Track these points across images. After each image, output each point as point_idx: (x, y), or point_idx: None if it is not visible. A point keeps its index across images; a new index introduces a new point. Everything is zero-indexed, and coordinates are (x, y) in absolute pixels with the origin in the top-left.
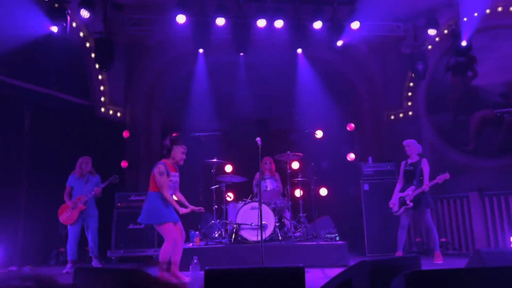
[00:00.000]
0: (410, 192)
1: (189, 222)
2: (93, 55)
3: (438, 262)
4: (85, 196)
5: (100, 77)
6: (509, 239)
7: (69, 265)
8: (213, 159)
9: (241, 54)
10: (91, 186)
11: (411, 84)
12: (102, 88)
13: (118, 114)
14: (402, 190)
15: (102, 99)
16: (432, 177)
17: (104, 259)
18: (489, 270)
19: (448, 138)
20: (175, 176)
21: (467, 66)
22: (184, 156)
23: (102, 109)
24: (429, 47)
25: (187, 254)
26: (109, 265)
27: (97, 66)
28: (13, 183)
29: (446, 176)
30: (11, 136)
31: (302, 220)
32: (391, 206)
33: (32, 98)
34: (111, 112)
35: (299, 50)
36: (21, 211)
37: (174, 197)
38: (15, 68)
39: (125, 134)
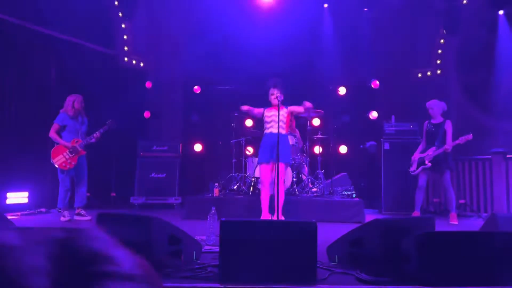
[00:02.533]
0: (431, 152)
1: (209, 174)
2: (116, 2)
3: (454, 223)
4: (83, 140)
5: (123, 25)
6: None
7: (66, 212)
8: (234, 113)
9: (265, 2)
10: (85, 128)
11: (442, 41)
12: (125, 37)
13: (141, 64)
14: (424, 151)
15: (125, 48)
16: (455, 138)
17: (127, 205)
18: (501, 234)
19: (476, 99)
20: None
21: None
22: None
23: (125, 59)
24: (464, 1)
25: (207, 204)
26: (132, 210)
27: (120, 14)
28: (41, 130)
29: (469, 137)
30: (38, 84)
31: (319, 176)
32: (412, 160)
33: (57, 46)
34: (134, 61)
35: (326, 5)
36: (49, 156)
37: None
38: (41, 15)
39: (148, 84)
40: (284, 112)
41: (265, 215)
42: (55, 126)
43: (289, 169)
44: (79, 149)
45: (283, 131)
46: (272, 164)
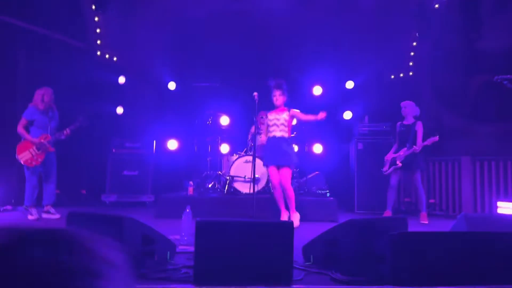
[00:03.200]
0: (402, 153)
1: (184, 172)
2: None
3: (424, 222)
4: (53, 136)
5: (96, 18)
6: (496, 204)
7: (33, 210)
8: (209, 110)
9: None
10: (55, 123)
11: (415, 43)
12: (98, 30)
13: (115, 59)
14: (396, 151)
15: (98, 42)
16: (425, 139)
17: (98, 203)
18: (472, 235)
19: (446, 101)
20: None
21: (472, 27)
22: None
23: (98, 53)
24: (436, 6)
25: (181, 203)
26: (103, 209)
27: (93, 7)
28: (8, 124)
29: (435, 139)
30: (5, 77)
31: (294, 175)
32: (386, 160)
33: (26, 38)
34: (107, 56)
35: None
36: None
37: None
38: (9, 5)
39: (121, 79)
40: (286, 115)
41: (284, 213)
42: (22, 121)
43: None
44: (47, 145)
45: (285, 135)
46: (277, 166)
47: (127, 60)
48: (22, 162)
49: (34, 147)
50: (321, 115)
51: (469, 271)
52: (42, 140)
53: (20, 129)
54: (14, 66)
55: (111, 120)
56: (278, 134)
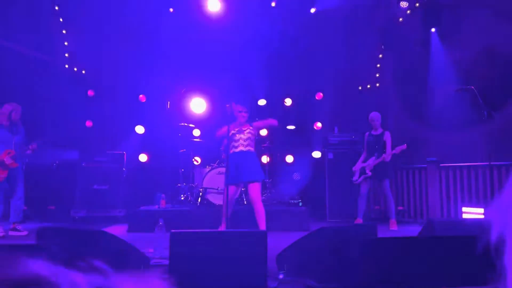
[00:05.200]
0: (371, 162)
1: (155, 185)
2: (57, 7)
3: (393, 229)
4: (17, 151)
5: (64, 31)
6: (461, 209)
7: (0, 228)
8: (181, 123)
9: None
10: (20, 138)
11: (381, 56)
12: (66, 43)
13: (83, 72)
14: (365, 160)
15: (66, 55)
16: (393, 148)
17: (67, 218)
18: (439, 239)
19: (411, 111)
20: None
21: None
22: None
23: (66, 66)
24: (400, 19)
25: (153, 216)
26: (73, 224)
27: (60, 19)
28: None
29: (403, 147)
30: None
31: (267, 185)
32: (354, 170)
33: None
34: (75, 69)
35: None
36: None
37: None
38: None
39: (90, 92)
40: (251, 129)
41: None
42: None
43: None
44: (7, 162)
45: (251, 149)
46: (237, 184)
47: (96, 73)
48: None
49: None
50: (271, 122)
51: (436, 273)
52: (5, 156)
53: None
54: None
55: (80, 133)
56: (244, 148)
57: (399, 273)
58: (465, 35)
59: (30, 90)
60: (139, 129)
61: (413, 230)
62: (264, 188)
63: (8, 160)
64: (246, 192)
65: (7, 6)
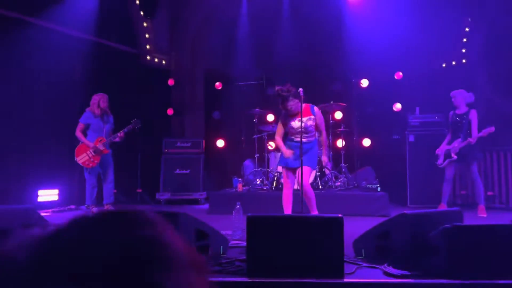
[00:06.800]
0: (456, 144)
1: (232, 169)
2: (138, 1)
3: (482, 215)
4: (107, 139)
5: (145, 24)
6: None
7: (95, 209)
8: (255, 108)
9: None
10: (110, 126)
11: (467, 29)
12: (147, 35)
13: (163, 62)
14: (450, 142)
15: (148, 47)
16: (481, 128)
17: (153, 201)
18: None
19: (503, 89)
20: None
21: None
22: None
23: (148, 57)
24: None
25: (231, 199)
26: (158, 206)
27: (142, 13)
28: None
29: (491, 129)
30: (64, 83)
31: (343, 170)
32: (438, 154)
33: (80, 46)
34: (156, 60)
35: None
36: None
37: None
38: (63, 15)
39: (170, 82)
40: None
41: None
42: (80, 126)
43: None
44: (101, 148)
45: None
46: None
47: (176, 62)
48: (80, 164)
49: (91, 150)
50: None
51: None
52: (98, 143)
53: (78, 133)
54: (72, 73)
55: (163, 121)
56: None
57: (486, 263)
58: None
59: (117, 81)
60: (216, 114)
61: (505, 217)
62: (340, 172)
63: (100, 147)
64: (321, 177)
65: (94, 4)
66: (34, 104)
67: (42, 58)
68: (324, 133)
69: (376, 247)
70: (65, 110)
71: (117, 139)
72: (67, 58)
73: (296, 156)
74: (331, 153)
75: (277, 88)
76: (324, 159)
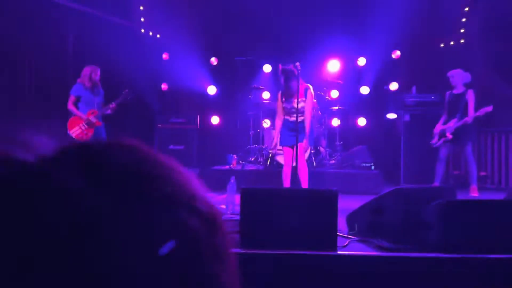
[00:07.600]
0: (452, 124)
1: (227, 146)
2: None
3: (474, 195)
4: (99, 111)
5: None
6: None
7: None
8: (251, 85)
9: None
10: (101, 99)
11: (467, 8)
12: (141, 8)
13: (158, 36)
14: (445, 122)
15: (142, 19)
16: (477, 109)
17: None
18: None
19: (500, 69)
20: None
21: None
22: None
23: (142, 30)
24: None
25: (225, 175)
26: None
27: None
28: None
29: (489, 108)
30: (56, 55)
31: (337, 148)
32: (435, 133)
33: (74, 19)
34: (150, 33)
35: None
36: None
37: None
38: None
39: (165, 56)
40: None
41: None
42: (71, 98)
43: None
44: (94, 121)
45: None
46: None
47: (170, 36)
48: (74, 137)
49: (84, 122)
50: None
51: None
52: (90, 116)
53: (70, 106)
54: (64, 45)
55: (156, 96)
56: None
57: (477, 237)
58: None
59: (109, 53)
60: (211, 90)
61: (496, 197)
62: (334, 151)
63: (93, 119)
64: (315, 154)
65: None
66: (26, 75)
67: (32, 27)
68: (308, 116)
69: (370, 222)
70: (58, 83)
71: (109, 111)
72: (59, 30)
73: (292, 134)
74: (326, 131)
75: (282, 67)
76: (305, 142)
